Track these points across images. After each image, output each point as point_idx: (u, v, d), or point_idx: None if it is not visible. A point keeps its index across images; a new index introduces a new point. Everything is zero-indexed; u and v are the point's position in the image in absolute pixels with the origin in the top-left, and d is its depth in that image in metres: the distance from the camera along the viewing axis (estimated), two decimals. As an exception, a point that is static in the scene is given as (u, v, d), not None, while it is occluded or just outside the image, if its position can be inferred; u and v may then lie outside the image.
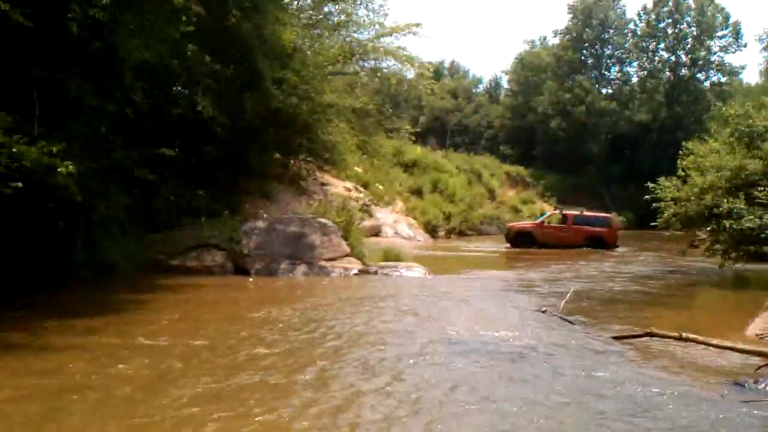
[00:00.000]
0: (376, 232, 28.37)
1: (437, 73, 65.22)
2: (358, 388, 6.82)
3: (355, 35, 27.77)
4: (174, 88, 17.41)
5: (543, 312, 11.61)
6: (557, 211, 33.18)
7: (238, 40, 17.04)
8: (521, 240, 29.96)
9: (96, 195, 12.37)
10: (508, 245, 30.38)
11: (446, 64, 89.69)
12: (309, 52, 22.54)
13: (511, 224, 33.31)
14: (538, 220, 32.64)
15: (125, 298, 11.65)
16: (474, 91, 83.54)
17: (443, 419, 5.90)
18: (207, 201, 17.75)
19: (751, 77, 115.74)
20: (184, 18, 14.32)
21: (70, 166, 10.06)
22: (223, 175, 19.32)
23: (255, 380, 6.92)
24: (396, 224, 31.69)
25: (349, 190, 23.93)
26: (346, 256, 17.01)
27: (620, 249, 29.95)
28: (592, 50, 70.62)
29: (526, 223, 32.95)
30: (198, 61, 16.12)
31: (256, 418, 5.76)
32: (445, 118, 70.79)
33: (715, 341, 8.39)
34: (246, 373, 7.14)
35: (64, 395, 6.24)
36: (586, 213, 33.76)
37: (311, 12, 26.11)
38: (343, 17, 26.98)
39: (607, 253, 28.11)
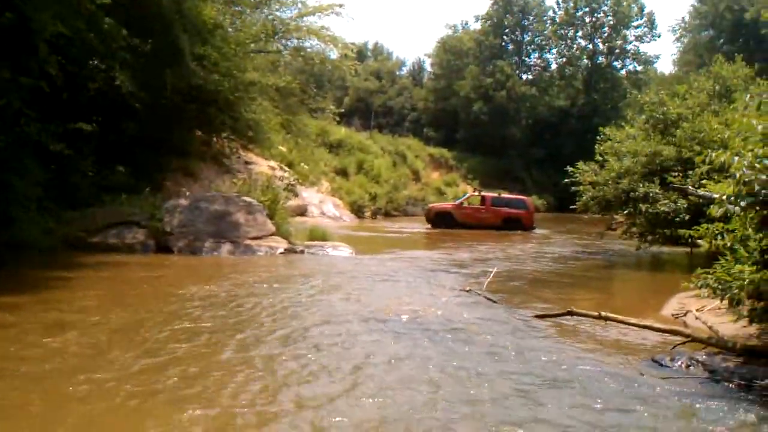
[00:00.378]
0: (302, 211, 28.26)
1: (361, 54, 65.01)
2: (285, 361, 6.87)
3: (278, 13, 27.48)
4: (91, 62, 16.86)
5: (467, 291, 11.76)
6: (476, 193, 33.79)
7: (157, 15, 16.62)
8: (441, 220, 30.60)
9: (11, 170, 11.98)
10: (429, 225, 30.88)
11: (370, 46, 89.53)
12: (230, 29, 22.23)
13: (431, 205, 33.93)
14: (457, 201, 33.17)
15: (45, 275, 11.27)
16: (398, 73, 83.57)
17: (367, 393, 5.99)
18: (127, 178, 17.36)
19: (665, 66, 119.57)
20: (100, -10, 13.92)
21: (-18, 140, 9.72)
22: (144, 152, 18.90)
23: (180, 354, 6.88)
24: (322, 204, 31.65)
25: (273, 169, 23.71)
26: (272, 235, 16.90)
27: (537, 231, 30.79)
28: (513, 36, 71.74)
29: (445, 204, 33.56)
30: (115, 34, 15.62)
31: (184, 391, 5.75)
32: (370, 100, 70.66)
33: (633, 320, 8.64)
34: (172, 347, 7.08)
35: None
36: (504, 195, 34.84)
37: (233, -12, 25.65)
38: (266, -5, 26.60)
39: (529, 234, 28.81)
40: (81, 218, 15.40)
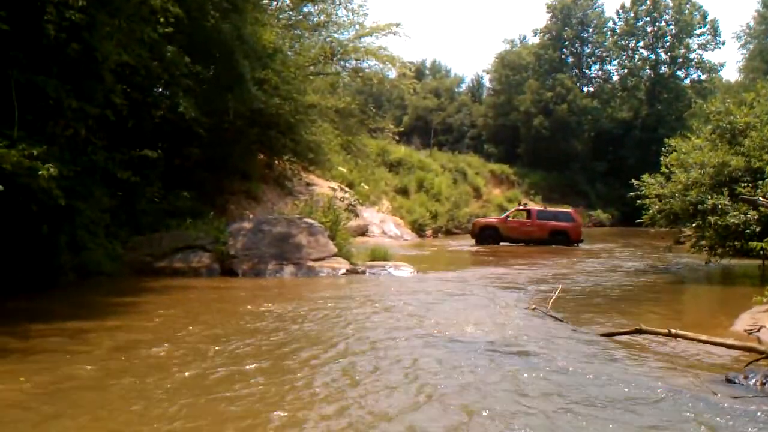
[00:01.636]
0: (362, 231, 28.33)
1: (419, 72, 65.39)
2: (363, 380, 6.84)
3: (336, 35, 27.78)
4: (155, 90, 17.27)
5: (532, 309, 11.54)
6: (520, 207, 33.24)
7: (218, 41, 16.94)
8: (486, 235, 30.25)
9: (79, 197, 12.26)
10: (473, 241, 30.61)
11: (428, 64, 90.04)
12: (289, 53, 22.52)
13: (476, 219, 33.54)
14: (503, 216, 32.72)
15: (112, 300, 11.48)
16: (456, 90, 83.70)
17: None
18: (192, 202, 17.68)
19: (730, 74, 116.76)
20: (162, 19, 14.23)
21: (51, 169, 9.98)
22: (208, 176, 19.26)
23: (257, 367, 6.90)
24: (383, 224, 31.69)
25: (334, 189, 23.87)
26: (334, 256, 16.93)
27: (586, 245, 30.20)
28: (572, 49, 71.28)
29: (491, 218, 33.25)
30: (178, 62, 15.98)
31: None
32: (429, 118, 70.76)
33: (703, 337, 8.32)
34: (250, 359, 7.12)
35: (71, 393, 6.25)
36: (550, 208, 34.60)
37: (290, 12, 26.06)
38: (322, 18, 26.94)
39: (579, 249, 28.34)
40: (147, 243, 15.71)
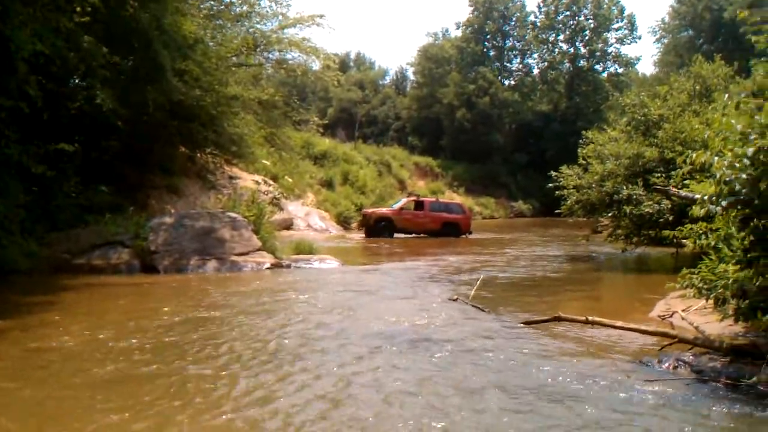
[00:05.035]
0: (287, 225, 28.24)
1: (343, 64, 65.31)
2: (276, 375, 6.84)
3: (258, 26, 27.40)
4: (71, 81, 16.78)
5: (455, 300, 11.73)
6: (413, 198, 32.99)
7: (137, 31, 16.53)
8: (381, 227, 29.81)
9: (-9, 193, 11.87)
10: (365, 233, 30.36)
11: (352, 56, 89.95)
12: (211, 44, 22.14)
13: (368, 210, 32.36)
14: (396, 207, 31.98)
15: (26, 300, 11.12)
16: (380, 82, 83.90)
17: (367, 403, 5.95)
18: (111, 197, 17.25)
19: (645, 68, 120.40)
20: (78, 8, 13.86)
21: (-39, 163, 9.65)
22: (127, 170, 18.82)
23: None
24: (308, 217, 31.62)
25: (258, 183, 23.63)
26: (258, 250, 16.80)
27: (475, 236, 30.72)
28: (494, 42, 72.26)
29: (385, 210, 31.96)
30: (95, 52, 15.53)
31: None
32: (353, 110, 70.80)
33: (619, 323, 8.61)
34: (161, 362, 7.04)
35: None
36: (442, 200, 34.93)
37: (212, 2, 25.53)
38: (245, 8, 26.52)
39: (509, 240, 28.82)
40: (65, 240, 15.27)
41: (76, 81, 16.90)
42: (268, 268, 15.98)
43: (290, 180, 32.16)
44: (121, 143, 18.17)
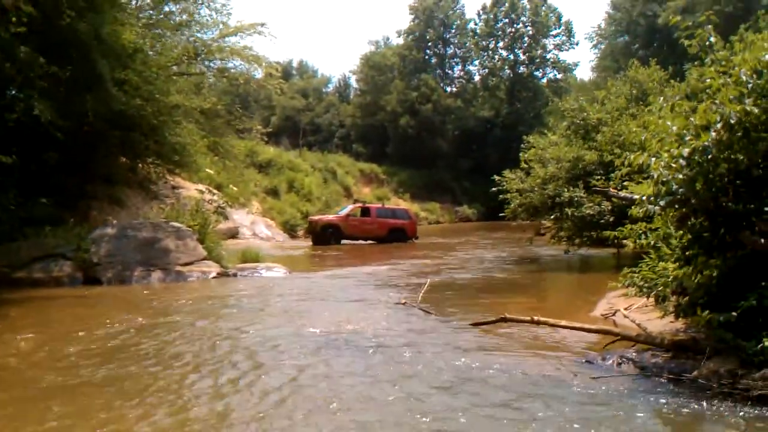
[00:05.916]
0: (233, 234, 28.01)
1: (286, 72, 64.95)
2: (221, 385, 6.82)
3: (199, 35, 27.04)
4: (8, 92, 16.36)
5: (403, 304, 11.82)
6: (359, 204, 33.17)
7: (74, 41, 16.23)
8: (328, 234, 29.74)
9: (-74, 207, 11.51)
10: (312, 240, 30.27)
11: (294, 64, 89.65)
12: (151, 53, 21.80)
13: (315, 217, 32.35)
14: (342, 213, 31.96)
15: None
16: (324, 90, 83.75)
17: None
18: (51, 209, 16.83)
19: (583, 73, 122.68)
20: (14, 18, 13.55)
21: None
22: (68, 181, 18.41)
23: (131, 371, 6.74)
24: (253, 225, 31.41)
25: (202, 192, 23.34)
26: (203, 259, 16.68)
27: (420, 240, 31.15)
28: (436, 50, 72.93)
29: (331, 217, 31.89)
30: (32, 62, 15.20)
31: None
32: (297, 118, 70.54)
33: (564, 323, 8.80)
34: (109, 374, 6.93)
35: None
36: (388, 206, 35.17)
37: (151, 12, 25.20)
38: (185, 17, 26.16)
39: (454, 245, 29.10)
40: (4, 253, 14.89)
41: (13, 92, 16.47)
42: (214, 278, 15.87)
43: (235, 189, 31.80)
44: (61, 154, 17.74)
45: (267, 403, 6.10)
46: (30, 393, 6.54)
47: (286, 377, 6.92)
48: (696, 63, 7.99)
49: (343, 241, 29.82)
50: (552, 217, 19.98)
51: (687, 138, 6.71)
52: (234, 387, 6.62)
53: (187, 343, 8.59)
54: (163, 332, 9.30)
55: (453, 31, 73.12)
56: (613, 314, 10.38)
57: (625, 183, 11.16)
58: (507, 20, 71.14)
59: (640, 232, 8.86)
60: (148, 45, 21.98)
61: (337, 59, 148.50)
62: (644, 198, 7.27)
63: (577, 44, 74.87)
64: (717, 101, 6.60)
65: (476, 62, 74.31)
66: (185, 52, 25.72)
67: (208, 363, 7.56)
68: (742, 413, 5.58)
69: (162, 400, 6.15)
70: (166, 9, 25.83)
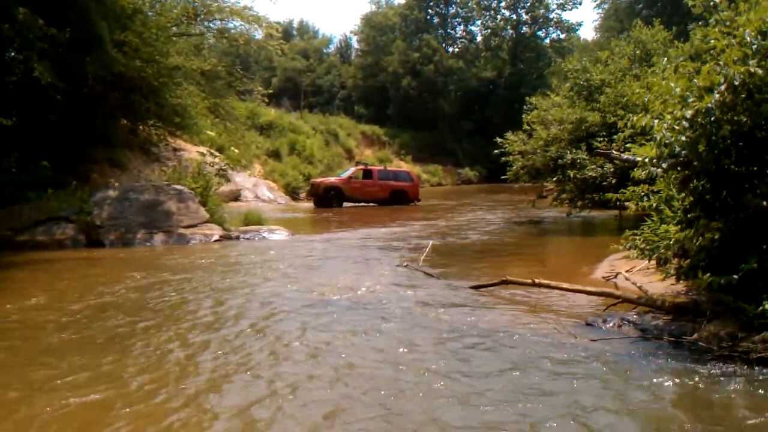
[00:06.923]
0: (235, 196, 28.01)
1: (286, 33, 64.40)
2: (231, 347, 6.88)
3: (198, -5, 26.80)
4: (7, 54, 16.26)
5: (405, 266, 11.88)
6: (361, 167, 33.00)
7: (73, 2, 16.10)
8: (330, 196, 29.75)
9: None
10: (314, 202, 30.30)
11: (295, 24, 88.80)
12: (150, 13, 21.61)
13: (317, 180, 32.26)
14: (344, 176, 31.96)
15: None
16: (325, 51, 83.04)
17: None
18: (52, 172, 16.86)
19: (587, 33, 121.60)
20: (12, -21, 13.41)
21: None
22: (69, 144, 18.37)
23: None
24: (255, 188, 31.39)
25: (203, 154, 23.28)
26: (206, 222, 16.71)
27: (424, 202, 31.13)
28: (437, 9, 72.12)
29: (334, 179, 31.76)
30: (31, 24, 15.10)
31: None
32: (298, 79, 70.07)
33: (565, 285, 8.84)
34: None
35: None
36: (390, 168, 34.97)
37: (151, -29, 24.97)
38: (184, -24, 25.93)
39: (456, 207, 29.05)
40: (6, 216, 14.96)
41: (12, 54, 16.37)
42: (216, 240, 15.91)
43: (236, 151, 31.70)
44: (61, 117, 17.69)
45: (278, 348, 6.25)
46: (43, 346, 6.74)
47: (294, 327, 7.09)
48: (700, 23, 7.92)
49: (345, 204, 29.74)
50: (554, 179, 19.94)
51: (690, 99, 6.67)
52: (238, 341, 6.68)
53: (195, 300, 8.80)
54: (170, 290, 9.50)
55: (455, -10, 72.38)
56: (615, 277, 10.40)
57: (628, 145, 11.15)
58: (509, -21, 70.34)
59: (642, 194, 8.85)
60: (148, 5, 21.81)
61: (338, 19, 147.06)
62: (647, 160, 7.25)
63: (580, 4, 74.16)
64: (721, 62, 6.55)
65: (478, 22, 73.66)
66: (184, 12, 25.44)
67: (219, 320, 7.80)
68: (741, 376, 5.62)
69: (169, 352, 6.25)
70: (166, -32, 25.51)
